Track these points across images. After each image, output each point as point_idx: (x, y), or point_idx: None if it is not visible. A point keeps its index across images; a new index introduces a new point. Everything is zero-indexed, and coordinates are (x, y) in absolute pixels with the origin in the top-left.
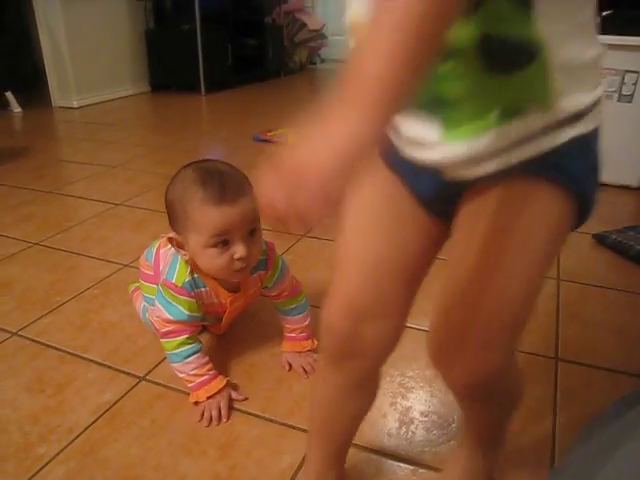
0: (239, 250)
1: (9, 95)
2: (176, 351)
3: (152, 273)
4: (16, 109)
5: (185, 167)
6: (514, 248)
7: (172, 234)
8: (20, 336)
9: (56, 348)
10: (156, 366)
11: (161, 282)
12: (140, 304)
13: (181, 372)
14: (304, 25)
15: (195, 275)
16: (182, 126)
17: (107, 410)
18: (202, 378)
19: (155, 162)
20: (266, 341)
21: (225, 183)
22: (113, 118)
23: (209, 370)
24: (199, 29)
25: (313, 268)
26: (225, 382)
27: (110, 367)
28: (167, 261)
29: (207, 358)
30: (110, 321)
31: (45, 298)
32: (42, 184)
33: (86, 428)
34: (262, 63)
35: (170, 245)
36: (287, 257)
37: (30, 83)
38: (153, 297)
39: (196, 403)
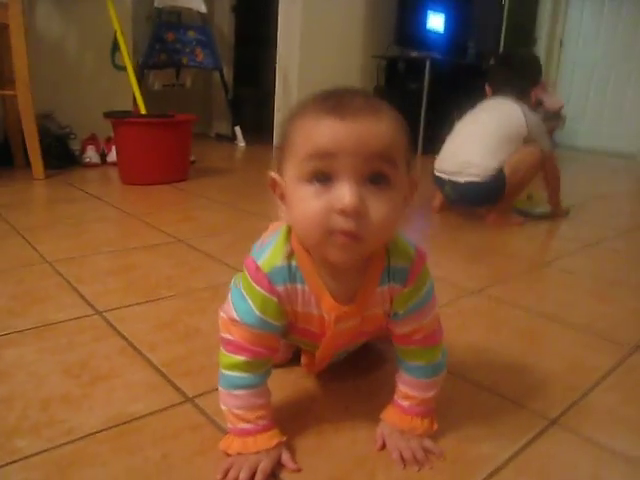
0: (344, 194)
1: (237, 130)
2: (226, 372)
3: None
4: (241, 143)
5: None
6: None
7: (275, 174)
8: (102, 316)
9: (125, 337)
10: (214, 390)
11: (245, 261)
12: None
13: (224, 403)
14: (540, 103)
15: (294, 262)
16: None
17: (123, 423)
18: (245, 425)
19: None
20: (370, 397)
21: (353, 96)
22: None
23: (260, 418)
24: (426, 88)
25: (469, 330)
26: (276, 443)
27: (164, 375)
28: (268, 239)
29: (264, 400)
30: (198, 327)
31: (152, 288)
32: (221, 196)
33: (85, 436)
34: None
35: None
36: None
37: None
38: None
39: (227, 454)
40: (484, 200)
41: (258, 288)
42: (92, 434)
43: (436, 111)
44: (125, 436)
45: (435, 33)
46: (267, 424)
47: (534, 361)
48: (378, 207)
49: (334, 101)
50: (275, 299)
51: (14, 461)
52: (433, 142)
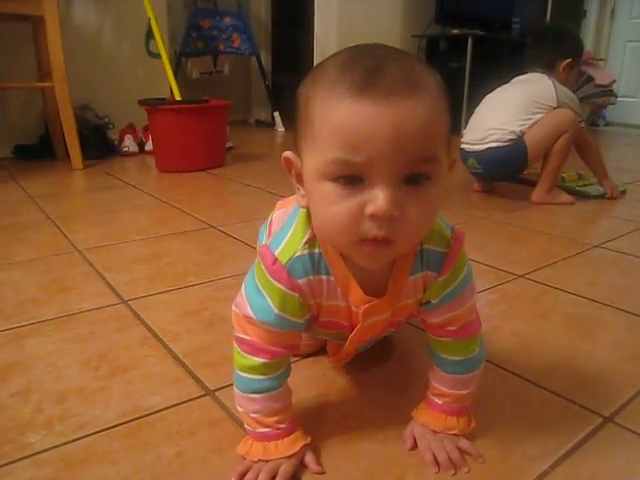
0: (377, 199)
1: (276, 115)
2: (241, 374)
3: None
4: (280, 129)
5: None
6: None
7: (289, 152)
8: (127, 305)
9: (148, 327)
10: None
11: (258, 249)
12: None
13: (240, 405)
14: (590, 79)
15: (317, 250)
16: None
17: (138, 418)
18: (265, 430)
19: None
20: (402, 390)
21: (385, 64)
22: None
23: (279, 422)
24: (468, 67)
25: (513, 316)
26: (300, 447)
27: (185, 366)
28: (282, 222)
29: (283, 403)
30: (224, 315)
31: (180, 276)
32: (256, 182)
33: (97, 432)
34: None
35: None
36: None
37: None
38: None
39: (242, 457)
40: (506, 167)
41: (276, 283)
42: (105, 429)
43: (479, 90)
44: (139, 432)
45: (478, 9)
46: (289, 427)
47: (585, 351)
48: (416, 210)
49: (362, 75)
50: (297, 295)
51: (24, 457)
52: None
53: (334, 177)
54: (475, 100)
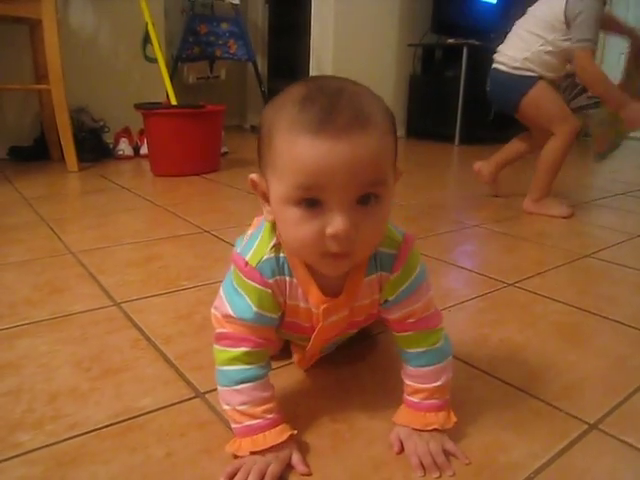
0: (335, 222)
1: None
2: (224, 368)
3: None
4: None
5: (299, 81)
6: None
7: (254, 175)
8: (120, 308)
9: (140, 329)
10: None
11: (231, 257)
12: None
13: (226, 402)
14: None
15: (282, 254)
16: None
17: (129, 419)
18: (253, 422)
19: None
20: (391, 396)
21: (338, 102)
22: None
23: (267, 412)
24: (463, 76)
25: (503, 324)
26: (288, 436)
27: (176, 369)
28: (251, 234)
29: (270, 392)
30: None
31: (173, 279)
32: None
33: (88, 432)
34: None
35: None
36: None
37: None
38: None
39: (235, 456)
40: (502, 95)
41: (251, 282)
42: (96, 430)
43: (473, 99)
44: (130, 432)
45: (473, 19)
46: (275, 417)
47: (573, 359)
48: (369, 226)
49: (325, 109)
50: (270, 291)
51: (14, 456)
52: (470, 131)
53: (297, 202)
54: (471, 109)
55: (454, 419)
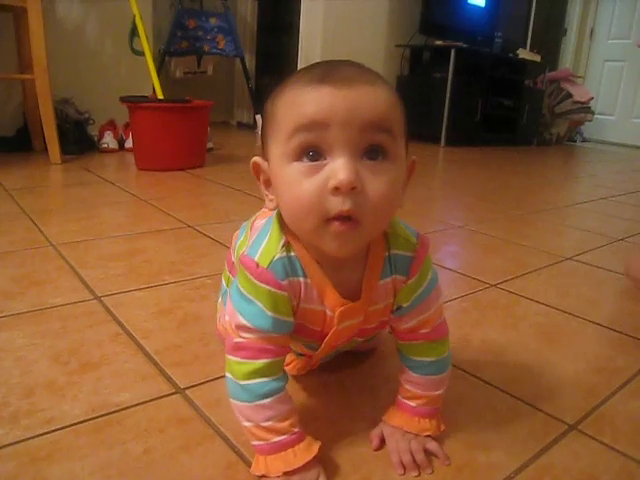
0: (338, 169)
1: (258, 118)
2: (245, 382)
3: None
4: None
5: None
6: None
7: (257, 157)
8: (100, 301)
9: (120, 323)
10: (207, 382)
11: (239, 260)
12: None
13: (247, 419)
14: (569, 95)
15: (293, 253)
16: None
17: (107, 414)
18: (281, 438)
19: None
20: (370, 396)
21: (340, 66)
22: None
23: (293, 426)
24: (450, 78)
25: (484, 325)
26: (317, 450)
27: (156, 364)
28: (258, 230)
29: (292, 404)
30: (197, 314)
31: (154, 274)
32: (236, 183)
33: (65, 427)
34: (514, 127)
35: (267, 214)
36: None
37: None
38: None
39: (262, 477)
40: None
41: (264, 285)
42: (73, 425)
43: (461, 101)
44: (107, 428)
45: (461, 21)
46: (301, 431)
47: (553, 361)
48: (376, 183)
49: (322, 70)
50: (286, 294)
51: None
52: (457, 133)
53: (298, 155)
54: (457, 111)
55: (443, 427)
